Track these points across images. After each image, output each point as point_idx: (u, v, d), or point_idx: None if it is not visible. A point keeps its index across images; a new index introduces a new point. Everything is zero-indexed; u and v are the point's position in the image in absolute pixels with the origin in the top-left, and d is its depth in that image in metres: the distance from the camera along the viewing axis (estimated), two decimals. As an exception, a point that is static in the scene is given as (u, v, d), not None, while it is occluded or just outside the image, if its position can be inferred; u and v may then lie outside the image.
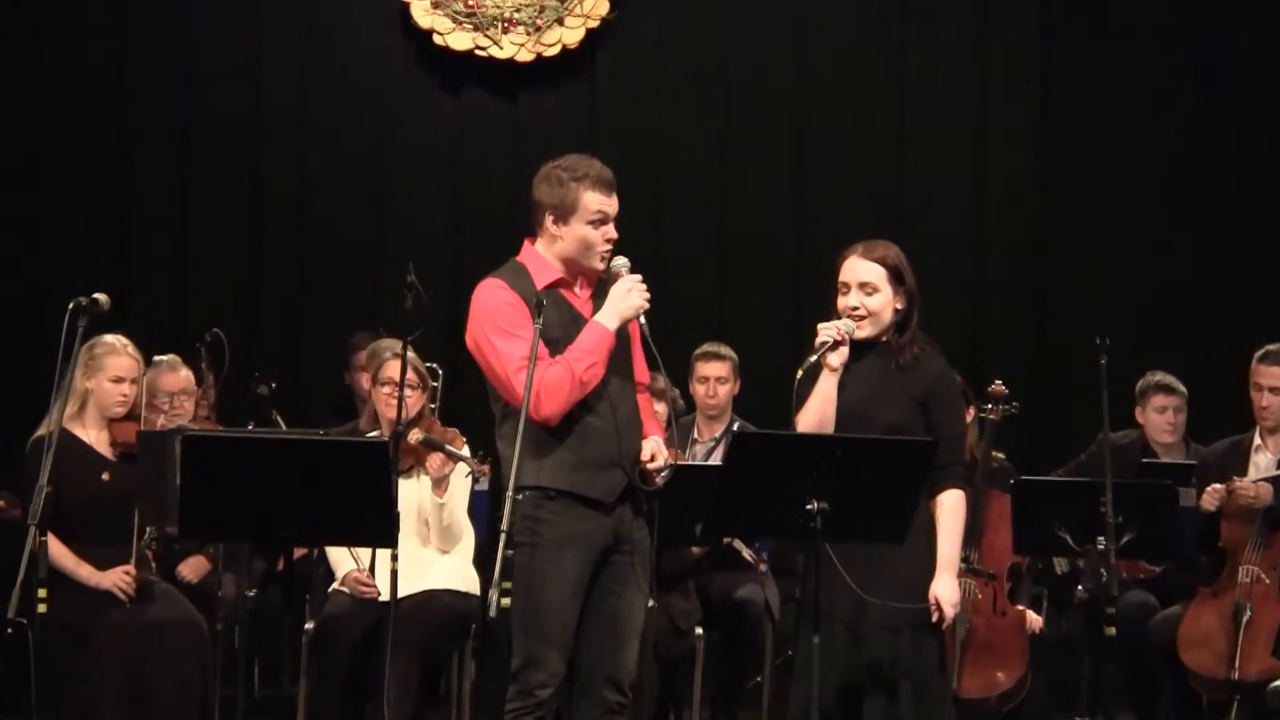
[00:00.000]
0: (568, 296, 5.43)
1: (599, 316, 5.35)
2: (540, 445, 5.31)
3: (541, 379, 5.23)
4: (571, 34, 9.79)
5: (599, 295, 5.44)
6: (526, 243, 5.50)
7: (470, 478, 7.03)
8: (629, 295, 5.34)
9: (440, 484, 6.92)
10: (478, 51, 9.77)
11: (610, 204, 5.40)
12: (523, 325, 5.27)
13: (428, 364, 7.26)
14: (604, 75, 9.93)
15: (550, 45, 9.78)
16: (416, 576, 6.86)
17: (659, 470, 5.35)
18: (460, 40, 9.76)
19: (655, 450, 5.37)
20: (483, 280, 5.45)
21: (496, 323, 5.31)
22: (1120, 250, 9.86)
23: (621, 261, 5.41)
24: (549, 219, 5.41)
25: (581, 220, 5.37)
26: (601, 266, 5.42)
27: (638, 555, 5.40)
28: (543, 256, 5.44)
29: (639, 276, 5.38)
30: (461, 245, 9.85)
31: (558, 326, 5.34)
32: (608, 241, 5.40)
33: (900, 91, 9.94)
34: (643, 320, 5.37)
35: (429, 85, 9.93)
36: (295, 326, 9.83)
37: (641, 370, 5.53)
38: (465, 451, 6.97)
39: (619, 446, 5.33)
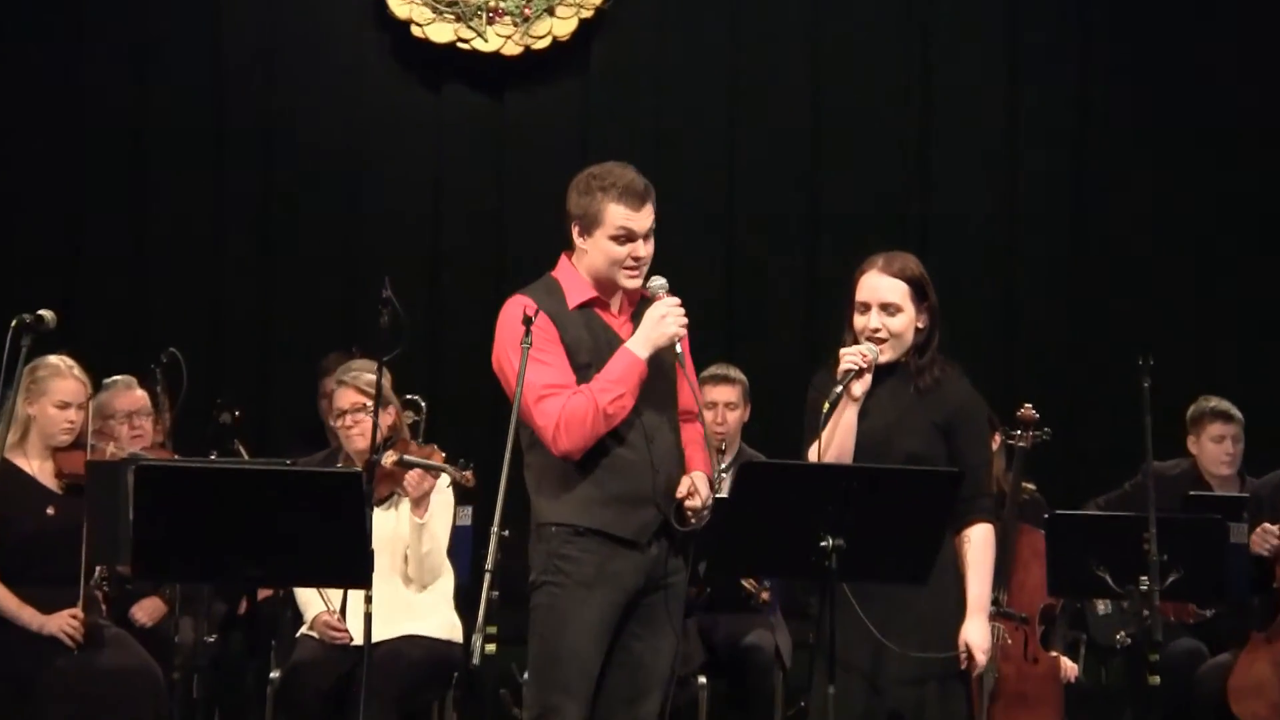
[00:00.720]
0: (604, 317, 5.41)
1: (630, 343, 5.32)
2: (567, 478, 5.30)
3: (561, 410, 5.22)
4: (563, 25, 9.80)
5: (640, 317, 5.40)
6: (563, 256, 5.48)
7: (452, 488, 7.00)
8: (663, 322, 5.30)
9: (420, 504, 6.90)
10: (460, 44, 9.77)
11: (637, 219, 5.35)
12: (549, 349, 5.28)
13: (409, 396, 7.24)
14: (599, 70, 9.94)
15: (540, 37, 9.78)
16: (392, 619, 6.83)
17: (697, 509, 5.32)
18: (441, 32, 9.76)
19: (694, 487, 5.34)
20: (511, 296, 5.44)
21: (516, 344, 5.28)
22: (1165, 258, 9.85)
23: (660, 283, 5.39)
24: (575, 230, 5.40)
25: (605, 234, 5.34)
26: (631, 285, 5.39)
27: (672, 597, 5.37)
28: (576, 272, 5.43)
29: (677, 300, 5.35)
30: (442, 257, 9.85)
31: (588, 350, 5.33)
32: (635, 259, 5.36)
33: (921, 86, 9.95)
34: (679, 349, 5.33)
35: (406, 81, 9.93)
36: (260, 346, 9.83)
37: (688, 397, 5.50)
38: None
39: (653, 481, 5.31)
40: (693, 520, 5.33)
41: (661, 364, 5.37)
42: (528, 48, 9.78)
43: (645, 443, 5.32)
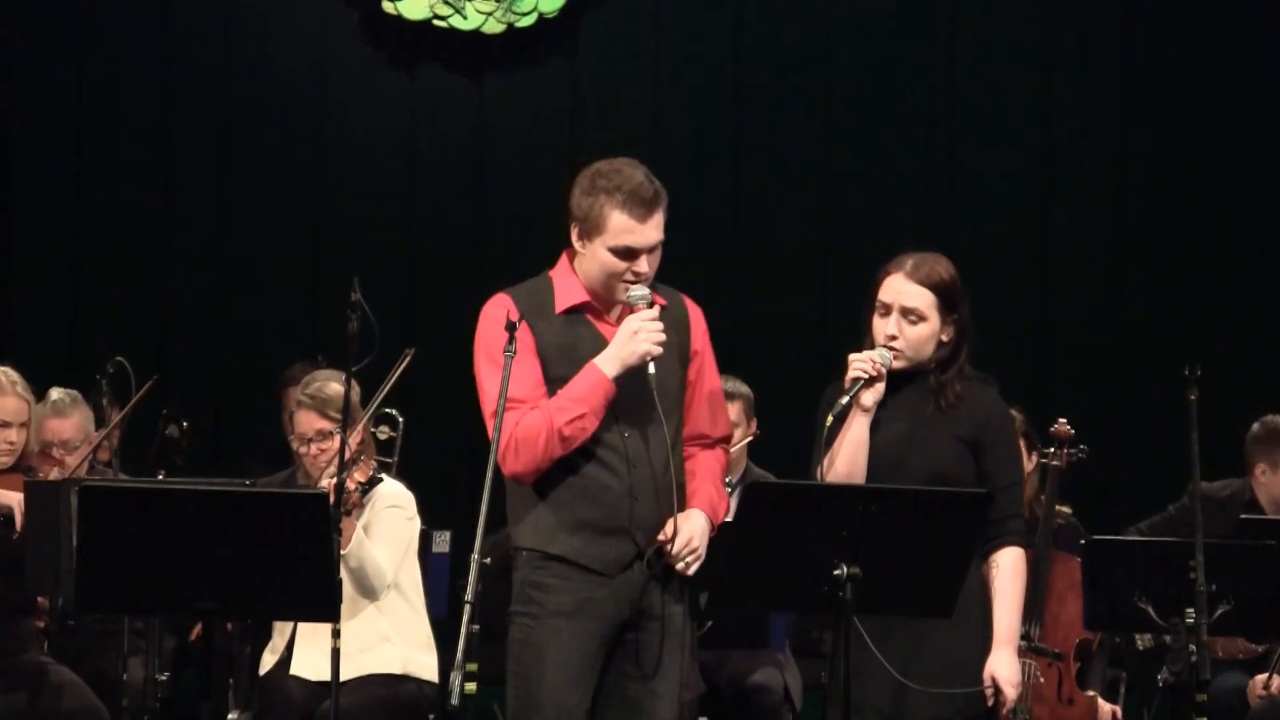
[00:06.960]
0: (597, 325, 5.36)
1: (599, 359, 5.25)
2: (539, 500, 5.28)
3: (514, 428, 5.20)
4: (550, 0, 9.83)
5: None
6: (565, 254, 5.42)
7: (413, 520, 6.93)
8: (634, 339, 5.22)
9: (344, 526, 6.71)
10: (436, 21, 9.80)
11: (640, 232, 5.27)
12: (519, 357, 5.21)
13: (385, 409, 7.20)
14: (589, 50, 9.96)
15: (524, 14, 9.81)
16: (357, 653, 6.80)
17: (679, 555, 5.25)
18: (415, 7, 9.79)
19: (679, 529, 5.26)
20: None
21: (488, 349, 5.30)
22: (1212, 261, 9.89)
23: (640, 293, 5.28)
24: (575, 232, 5.34)
25: (604, 245, 5.27)
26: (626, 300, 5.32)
27: (669, 636, 5.34)
28: (573, 274, 5.38)
29: (655, 314, 5.27)
30: (416, 256, 9.87)
31: (567, 361, 5.28)
32: (635, 274, 5.29)
33: (950, 69, 9.97)
34: (652, 370, 5.24)
35: (376, 62, 9.95)
36: (216, 354, 9.84)
37: (702, 419, 5.46)
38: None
39: (630, 510, 5.28)
40: (678, 566, 5.27)
41: (660, 380, 5.30)
42: (511, 25, 9.80)
43: (626, 467, 5.28)
